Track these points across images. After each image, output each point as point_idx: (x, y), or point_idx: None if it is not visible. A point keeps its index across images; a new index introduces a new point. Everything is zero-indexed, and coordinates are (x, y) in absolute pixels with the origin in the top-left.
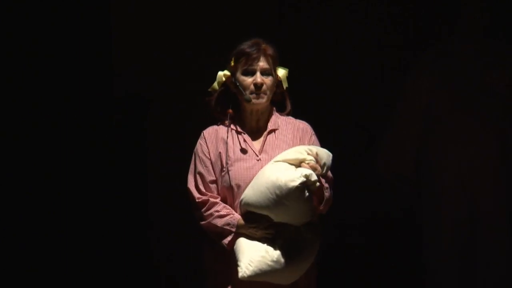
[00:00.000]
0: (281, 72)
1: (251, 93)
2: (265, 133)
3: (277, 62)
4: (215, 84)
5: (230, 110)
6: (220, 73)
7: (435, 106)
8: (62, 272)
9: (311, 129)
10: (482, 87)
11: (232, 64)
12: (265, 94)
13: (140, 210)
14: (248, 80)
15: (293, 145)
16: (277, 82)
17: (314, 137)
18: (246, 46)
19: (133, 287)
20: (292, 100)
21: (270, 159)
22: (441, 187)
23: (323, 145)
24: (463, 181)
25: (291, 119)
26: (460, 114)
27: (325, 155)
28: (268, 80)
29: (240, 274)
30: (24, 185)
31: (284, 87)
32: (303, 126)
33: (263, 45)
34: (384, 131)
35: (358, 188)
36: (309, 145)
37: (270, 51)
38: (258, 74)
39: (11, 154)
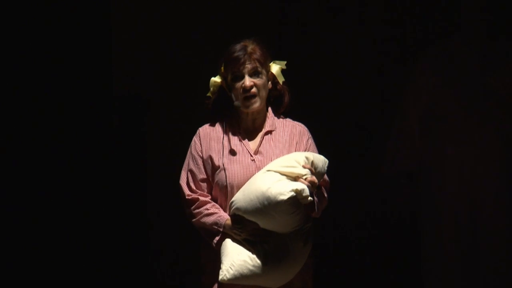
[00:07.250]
0: (275, 68)
1: (242, 97)
2: (262, 133)
3: (269, 59)
4: (211, 91)
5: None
6: (213, 79)
7: (436, 106)
8: (62, 272)
9: (308, 132)
10: (483, 87)
11: (223, 70)
12: (256, 95)
13: (140, 210)
14: (238, 85)
15: (289, 148)
16: (272, 78)
17: (311, 141)
18: (232, 51)
19: (132, 287)
20: (293, 95)
21: (264, 160)
22: (441, 187)
23: (320, 145)
24: (464, 181)
25: (288, 121)
26: (461, 115)
27: (320, 163)
28: (258, 80)
29: (220, 277)
30: (24, 184)
31: (280, 82)
32: (300, 128)
33: (250, 47)
34: (387, 132)
35: (356, 188)
36: (305, 148)
37: (257, 53)
38: (246, 77)
39: (11, 154)
